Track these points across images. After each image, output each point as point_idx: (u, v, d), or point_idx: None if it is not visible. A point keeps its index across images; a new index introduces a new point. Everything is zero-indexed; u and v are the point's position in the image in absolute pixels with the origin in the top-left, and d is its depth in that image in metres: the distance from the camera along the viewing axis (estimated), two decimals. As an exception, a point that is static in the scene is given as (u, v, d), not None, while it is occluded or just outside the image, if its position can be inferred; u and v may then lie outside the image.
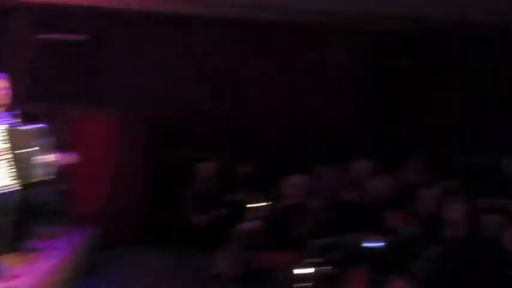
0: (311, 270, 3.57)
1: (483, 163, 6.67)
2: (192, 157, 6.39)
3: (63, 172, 3.92)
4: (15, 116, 3.60)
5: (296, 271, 3.64)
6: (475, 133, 7.31)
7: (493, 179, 5.85)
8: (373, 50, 7.63)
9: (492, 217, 4.98)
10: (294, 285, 3.53)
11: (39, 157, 3.57)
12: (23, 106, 3.84)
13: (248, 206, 5.32)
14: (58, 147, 3.83)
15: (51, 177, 3.68)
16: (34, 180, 3.57)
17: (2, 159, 3.41)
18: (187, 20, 7.05)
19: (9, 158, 3.43)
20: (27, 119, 3.74)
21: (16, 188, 3.47)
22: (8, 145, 3.43)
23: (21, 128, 3.56)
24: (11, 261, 3.58)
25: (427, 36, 7.55)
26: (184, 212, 6.01)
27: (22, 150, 3.48)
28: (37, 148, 3.56)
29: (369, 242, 4.61)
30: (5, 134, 3.44)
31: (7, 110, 3.60)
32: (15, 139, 3.47)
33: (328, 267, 3.64)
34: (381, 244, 4.39)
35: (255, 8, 6.62)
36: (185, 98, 7.06)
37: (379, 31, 7.42)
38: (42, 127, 3.65)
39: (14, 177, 3.44)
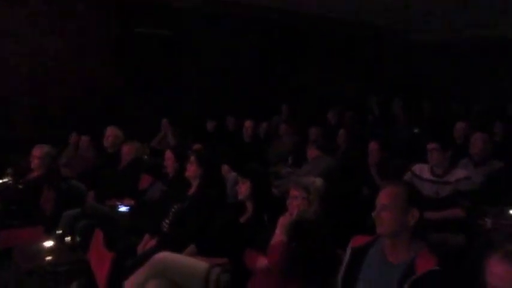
0: (51, 243, 3.48)
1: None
2: None
3: None
4: None
5: (36, 246, 3.50)
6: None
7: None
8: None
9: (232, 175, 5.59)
10: (35, 261, 3.38)
11: None
12: None
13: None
14: None
15: None
16: None
17: None
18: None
19: None
20: None
21: None
22: None
23: None
24: None
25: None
26: None
27: None
28: None
29: (122, 206, 4.74)
30: None
31: None
32: None
33: (71, 237, 3.59)
34: (130, 207, 4.55)
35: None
36: None
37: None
38: None
39: None
